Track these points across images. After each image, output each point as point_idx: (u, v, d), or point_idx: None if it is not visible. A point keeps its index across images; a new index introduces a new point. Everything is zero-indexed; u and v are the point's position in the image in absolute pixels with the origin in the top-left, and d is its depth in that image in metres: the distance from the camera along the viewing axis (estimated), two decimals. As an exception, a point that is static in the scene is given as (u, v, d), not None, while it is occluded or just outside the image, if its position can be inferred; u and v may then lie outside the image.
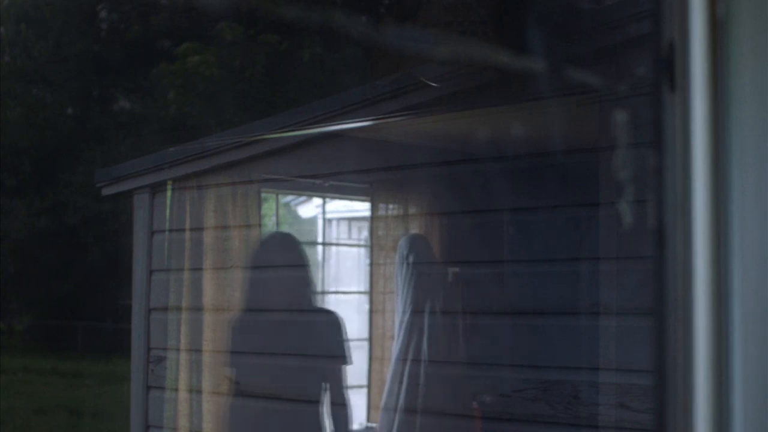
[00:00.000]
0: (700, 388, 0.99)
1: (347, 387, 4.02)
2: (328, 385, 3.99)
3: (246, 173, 4.75)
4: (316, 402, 3.99)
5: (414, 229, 4.65)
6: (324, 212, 6.85)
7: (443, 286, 4.30)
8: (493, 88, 3.76)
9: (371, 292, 4.88)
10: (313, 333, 4.10)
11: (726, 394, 0.99)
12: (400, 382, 4.30)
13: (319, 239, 6.76)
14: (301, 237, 6.16)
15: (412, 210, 4.74)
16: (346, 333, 4.06)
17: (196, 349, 4.76)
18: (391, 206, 4.78)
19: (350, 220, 6.97)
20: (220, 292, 4.70)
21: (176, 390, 4.79)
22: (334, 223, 6.97)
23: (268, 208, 6.22)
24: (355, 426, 4.80)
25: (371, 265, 4.94)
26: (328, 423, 3.98)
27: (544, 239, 3.91)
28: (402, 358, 4.32)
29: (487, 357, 4.10)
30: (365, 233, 6.64)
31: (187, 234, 4.82)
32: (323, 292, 6.02)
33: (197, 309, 4.76)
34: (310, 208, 7.24)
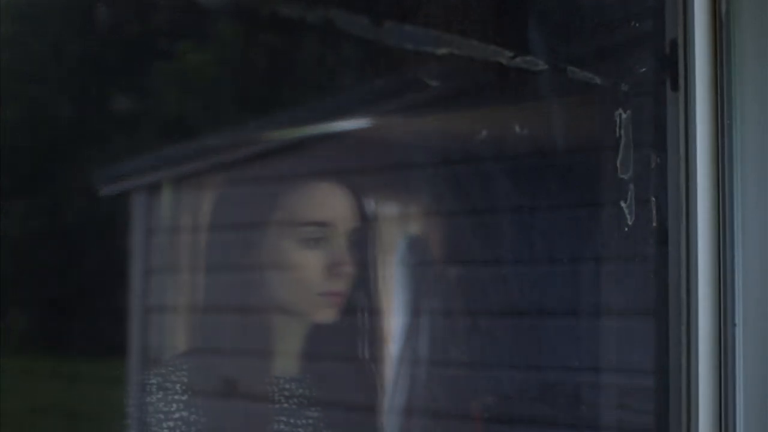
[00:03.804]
0: (702, 388, 0.98)
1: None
2: None
3: (245, 173, 4.74)
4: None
5: (413, 230, 4.64)
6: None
7: (442, 286, 4.30)
8: (492, 87, 3.75)
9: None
10: None
11: (728, 394, 0.98)
12: (399, 384, 4.29)
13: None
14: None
15: (411, 210, 4.73)
16: None
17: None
18: (390, 206, 4.78)
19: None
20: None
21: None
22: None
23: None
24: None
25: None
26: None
27: (545, 240, 3.90)
28: (400, 360, 4.32)
29: (487, 358, 4.10)
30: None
31: (186, 234, 4.82)
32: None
33: (196, 309, 4.75)
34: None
